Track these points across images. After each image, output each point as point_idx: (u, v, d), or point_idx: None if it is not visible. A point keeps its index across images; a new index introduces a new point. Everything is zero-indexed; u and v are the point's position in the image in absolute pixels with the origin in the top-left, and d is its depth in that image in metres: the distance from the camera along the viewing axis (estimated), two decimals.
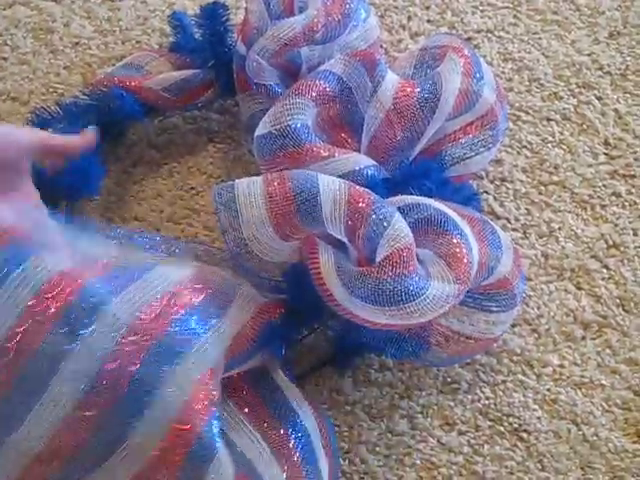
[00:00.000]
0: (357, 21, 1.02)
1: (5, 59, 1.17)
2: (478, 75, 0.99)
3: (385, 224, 0.82)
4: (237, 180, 0.86)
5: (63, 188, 0.96)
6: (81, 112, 1.03)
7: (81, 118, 1.01)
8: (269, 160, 0.93)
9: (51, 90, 1.15)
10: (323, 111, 0.96)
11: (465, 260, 0.83)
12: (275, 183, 0.85)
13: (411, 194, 0.90)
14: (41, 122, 1.04)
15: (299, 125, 0.92)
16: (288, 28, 0.97)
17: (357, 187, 0.85)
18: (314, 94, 0.95)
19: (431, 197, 0.90)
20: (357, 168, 0.91)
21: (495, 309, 0.89)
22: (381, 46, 1.17)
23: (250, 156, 1.08)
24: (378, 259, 0.82)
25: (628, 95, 1.13)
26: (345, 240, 0.85)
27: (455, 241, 0.84)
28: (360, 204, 0.83)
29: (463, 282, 0.83)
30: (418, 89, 0.96)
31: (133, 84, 1.05)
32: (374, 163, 0.93)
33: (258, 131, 0.94)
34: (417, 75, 1.02)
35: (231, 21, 1.07)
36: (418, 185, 0.92)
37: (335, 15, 0.99)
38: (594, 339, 0.96)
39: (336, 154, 0.92)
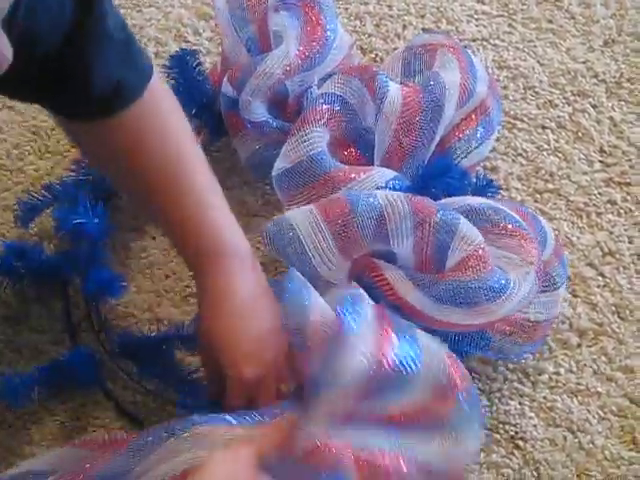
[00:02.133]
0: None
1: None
2: (470, 69, 1.01)
3: (454, 228, 0.85)
4: (287, 214, 0.89)
5: None
6: (72, 190, 1.01)
7: (76, 195, 0.99)
8: (296, 194, 0.94)
9: None
10: (333, 134, 0.97)
11: (529, 242, 0.86)
12: (331, 208, 0.87)
13: (434, 193, 0.92)
14: (30, 208, 1.02)
15: (320, 152, 0.94)
16: (275, 63, 0.98)
17: (417, 197, 0.87)
18: (324, 120, 0.96)
19: (455, 192, 0.93)
20: (383, 183, 0.92)
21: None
22: (376, 55, 1.17)
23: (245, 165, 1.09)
24: (451, 263, 0.84)
25: (623, 103, 1.13)
26: (407, 251, 0.86)
27: (512, 228, 0.87)
28: (425, 212, 0.85)
29: (535, 263, 0.85)
30: (422, 94, 0.98)
31: None
32: (396, 174, 0.94)
33: (277, 169, 0.94)
34: (407, 75, 1.03)
35: (203, 65, 1.07)
36: (440, 183, 0.94)
37: (317, 41, 1.00)
38: (590, 347, 0.95)
39: (361, 174, 0.93)
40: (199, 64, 1.07)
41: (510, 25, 1.20)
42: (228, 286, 0.82)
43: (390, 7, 1.24)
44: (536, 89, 1.14)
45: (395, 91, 0.97)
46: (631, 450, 0.89)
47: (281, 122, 1.00)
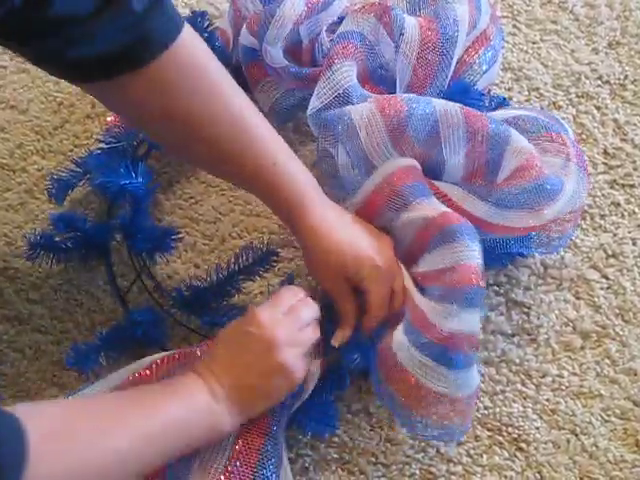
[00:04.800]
0: None
1: (4, 67, 1.17)
2: (475, 1, 1.03)
3: (506, 140, 0.89)
4: (347, 108, 0.91)
5: None
6: (105, 159, 1.01)
7: (110, 163, 1.00)
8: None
9: (50, 99, 1.15)
10: (357, 68, 0.98)
11: (564, 142, 0.92)
12: (388, 106, 0.91)
13: None
14: (64, 185, 1.03)
15: (355, 84, 0.95)
16: (290, 10, 1.00)
17: (469, 109, 0.91)
18: (349, 54, 0.97)
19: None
20: None
21: None
22: None
23: None
24: (506, 173, 0.88)
25: (627, 105, 1.13)
26: (459, 159, 0.90)
27: (547, 133, 0.93)
28: (477, 124, 0.90)
29: (572, 159, 0.91)
30: (436, 27, 0.99)
31: None
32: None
33: (312, 108, 0.95)
34: (413, 8, 1.04)
35: (213, 26, 1.07)
36: (461, 103, 0.95)
37: None
38: (593, 349, 0.95)
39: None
40: (210, 25, 1.07)
41: (514, 26, 1.20)
42: (324, 217, 0.89)
43: None
44: (540, 90, 1.14)
45: (412, 28, 0.99)
46: (634, 453, 0.89)
47: (297, 67, 1.02)
